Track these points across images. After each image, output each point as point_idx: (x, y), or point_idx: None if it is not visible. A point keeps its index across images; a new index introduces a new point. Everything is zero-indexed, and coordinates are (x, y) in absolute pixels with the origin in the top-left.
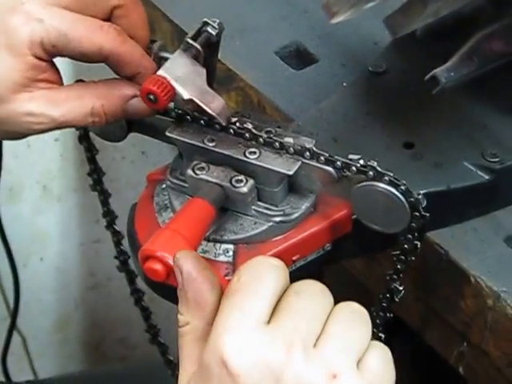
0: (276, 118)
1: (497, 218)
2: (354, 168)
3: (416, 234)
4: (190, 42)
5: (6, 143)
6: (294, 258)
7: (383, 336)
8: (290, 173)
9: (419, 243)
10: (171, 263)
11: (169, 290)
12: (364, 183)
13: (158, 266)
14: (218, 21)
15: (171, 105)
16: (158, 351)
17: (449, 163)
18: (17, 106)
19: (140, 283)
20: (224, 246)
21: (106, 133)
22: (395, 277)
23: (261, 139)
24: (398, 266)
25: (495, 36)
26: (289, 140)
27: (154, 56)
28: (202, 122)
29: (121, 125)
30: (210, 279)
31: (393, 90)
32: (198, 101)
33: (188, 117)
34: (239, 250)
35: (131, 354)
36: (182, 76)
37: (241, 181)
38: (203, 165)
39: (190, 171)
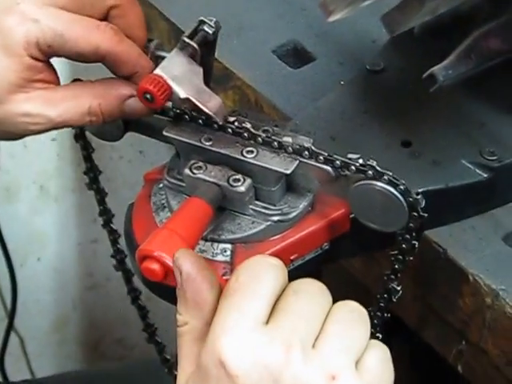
0: (273, 116)
1: (495, 216)
2: (353, 167)
3: (414, 234)
4: (187, 40)
5: (2, 143)
6: (291, 258)
7: (381, 336)
8: (288, 172)
9: (417, 243)
10: (168, 263)
11: (166, 290)
12: (362, 182)
13: (155, 266)
14: (214, 19)
15: (169, 104)
16: (155, 350)
17: (447, 161)
18: (13, 107)
19: (137, 282)
20: (222, 245)
21: (103, 132)
22: (393, 277)
23: (259, 138)
24: (396, 266)
25: (493, 34)
26: (287, 139)
27: (150, 55)
28: (200, 121)
29: (117, 124)
30: (209, 279)
31: (390, 88)
32: (194, 100)
33: (186, 116)
34: (237, 249)
35: (129, 354)
36: (178, 75)
37: (238, 180)
38: (200, 164)
39: (187, 170)
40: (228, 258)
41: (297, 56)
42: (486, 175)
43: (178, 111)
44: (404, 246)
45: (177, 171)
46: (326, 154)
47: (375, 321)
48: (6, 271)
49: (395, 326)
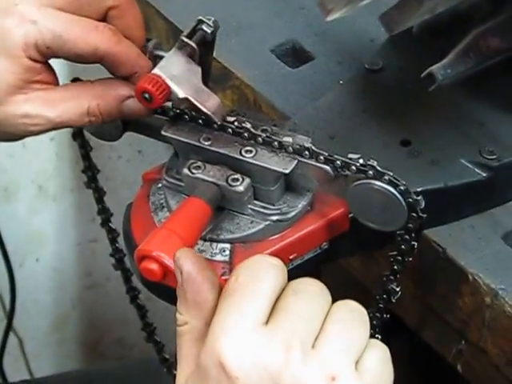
0: (272, 116)
1: (494, 216)
2: (353, 167)
3: (413, 235)
4: (185, 40)
5: (0, 143)
6: (291, 257)
7: (380, 337)
8: (287, 171)
9: (416, 244)
10: (167, 263)
11: (165, 290)
12: (361, 181)
13: (153, 266)
14: (213, 19)
15: (169, 104)
16: (154, 349)
17: (446, 160)
18: (13, 109)
19: (136, 281)
20: (220, 245)
21: (102, 132)
22: (392, 278)
23: (259, 138)
24: (395, 267)
25: (491, 33)
26: (287, 139)
27: (148, 54)
28: (199, 121)
29: (116, 124)
30: (209, 279)
31: (389, 87)
32: (193, 100)
33: (186, 116)
34: (236, 249)
35: (128, 354)
36: (177, 75)
37: (237, 180)
38: (199, 164)
39: (185, 170)
40: (227, 258)
41: (295, 55)
42: (485, 174)
43: (177, 111)
44: (403, 246)
45: (175, 171)
46: (327, 154)
47: (374, 322)
48: (4, 271)
49: (394, 326)
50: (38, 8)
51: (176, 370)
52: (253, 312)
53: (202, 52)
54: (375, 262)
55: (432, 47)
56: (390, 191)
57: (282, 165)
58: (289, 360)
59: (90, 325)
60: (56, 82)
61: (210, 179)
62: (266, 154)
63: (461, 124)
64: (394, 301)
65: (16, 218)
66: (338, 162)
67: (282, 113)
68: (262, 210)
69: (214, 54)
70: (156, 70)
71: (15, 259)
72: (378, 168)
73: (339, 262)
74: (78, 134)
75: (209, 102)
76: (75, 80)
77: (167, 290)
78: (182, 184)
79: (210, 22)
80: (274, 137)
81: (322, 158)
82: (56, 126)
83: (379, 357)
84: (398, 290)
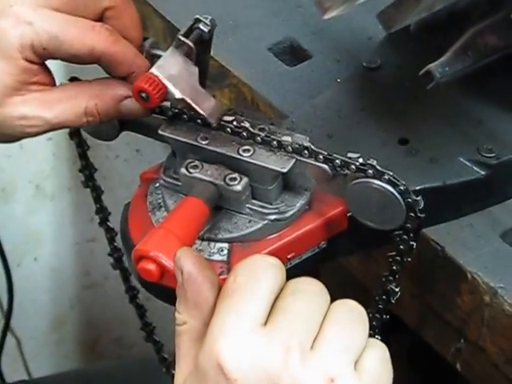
0: (270, 114)
1: (493, 214)
2: (353, 166)
3: (412, 235)
4: (182, 39)
5: None
6: (289, 256)
7: (380, 338)
8: (284, 170)
9: (415, 243)
10: (165, 263)
11: (163, 290)
12: (359, 180)
13: (151, 266)
14: (210, 17)
15: (167, 104)
16: (153, 349)
17: (444, 159)
18: (10, 110)
19: (135, 281)
20: (218, 244)
21: (98, 132)
22: (391, 278)
23: (257, 138)
24: (394, 267)
25: (489, 30)
26: (286, 138)
27: (145, 53)
28: (198, 120)
29: (113, 124)
30: (210, 279)
31: (387, 85)
32: (189, 101)
33: (184, 115)
34: (234, 248)
35: (127, 354)
36: (174, 74)
37: (235, 179)
38: (197, 163)
39: (183, 170)
40: (225, 258)
41: (293, 54)
42: (483, 172)
43: (175, 110)
44: (402, 246)
45: (173, 170)
46: (325, 153)
47: (374, 323)
48: (2, 271)
49: (393, 325)
50: (34, 9)
51: (175, 369)
52: (251, 313)
53: (199, 51)
54: (374, 260)
55: (430, 45)
56: (389, 190)
57: (279, 164)
58: (287, 361)
59: (88, 325)
60: (53, 83)
61: (207, 178)
62: (264, 153)
63: (459, 122)
64: (393, 301)
65: (14, 217)
66: (337, 161)
67: (279, 111)
68: (259, 209)
69: (212, 53)
70: (153, 70)
71: (13, 259)
72: (378, 167)
73: (338, 260)
74: (75, 133)
75: (205, 104)
76: (73, 79)
77: (165, 290)
78: (180, 183)
79: (207, 21)
80: (271, 136)
81: (320, 157)
82: (53, 127)
83: (378, 357)
84: (397, 290)
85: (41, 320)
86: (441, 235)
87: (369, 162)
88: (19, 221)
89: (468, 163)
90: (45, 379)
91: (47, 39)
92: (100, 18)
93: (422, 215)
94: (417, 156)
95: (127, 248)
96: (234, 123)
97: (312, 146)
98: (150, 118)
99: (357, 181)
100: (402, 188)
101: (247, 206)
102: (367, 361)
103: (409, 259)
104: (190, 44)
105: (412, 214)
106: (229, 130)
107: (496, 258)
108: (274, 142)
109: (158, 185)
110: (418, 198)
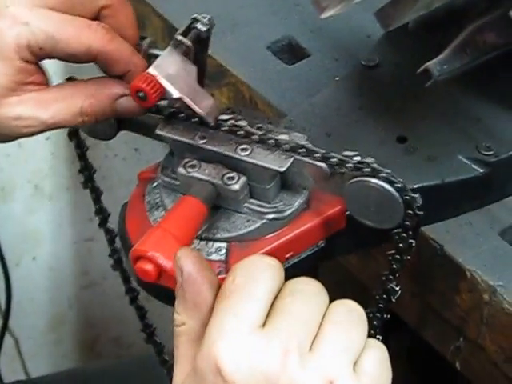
0: (268, 113)
1: (492, 212)
2: (350, 165)
3: (411, 233)
4: (180, 38)
5: None
6: (287, 256)
7: (381, 337)
8: (282, 169)
9: (414, 241)
10: (162, 263)
11: (161, 290)
12: (357, 179)
13: (148, 267)
14: (208, 16)
15: (165, 102)
16: (154, 351)
17: (443, 157)
18: (5, 111)
19: (135, 282)
20: (216, 244)
21: (96, 131)
22: (391, 277)
23: (255, 136)
24: (394, 266)
25: (487, 28)
26: (283, 137)
27: (143, 53)
28: (195, 119)
29: (110, 123)
30: (209, 280)
31: (386, 83)
32: (187, 100)
33: (181, 115)
34: (232, 248)
35: (126, 353)
36: (172, 74)
37: (233, 178)
38: (194, 162)
39: (181, 169)
40: (223, 257)
41: (291, 52)
42: (482, 170)
43: (173, 109)
44: (401, 245)
45: (171, 169)
46: (322, 152)
47: (375, 322)
48: (0, 271)
49: (392, 324)
50: (30, 9)
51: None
52: (249, 315)
53: (197, 50)
54: (373, 259)
55: (428, 43)
56: (386, 188)
57: (277, 163)
58: (286, 364)
59: (86, 324)
60: (47, 83)
61: (205, 178)
62: (262, 152)
63: (457, 120)
64: (394, 300)
65: (12, 217)
66: (334, 160)
67: (277, 110)
68: (257, 208)
69: (210, 52)
70: (151, 69)
71: (11, 258)
72: (375, 165)
73: (337, 259)
74: (73, 133)
75: (203, 103)
76: (69, 79)
77: (163, 290)
78: (178, 183)
79: (205, 20)
80: (269, 135)
81: (317, 155)
82: (49, 127)
83: (377, 358)
84: (397, 289)
85: (39, 319)
86: (440, 233)
87: (365, 160)
88: (18, 220)
89: (467, 161)
90: (43, 379)
91: (44, 39)
92: (96, 17)
93: (421, 212)
94: (415, 154)
95: (125, 248)
96: (231, 122)
97: (308, 145)
98: (147, 118)
99: (354, 180)
100: (399, 185)
101: (245, 205)
102: (366, 362)
103: (408, 257)
104: (188, 43)
105: (410, 212)
106: (226, 128)
107: (495, 255)
108: (271, 141)
109: (155, 184)
110: (416, 195)
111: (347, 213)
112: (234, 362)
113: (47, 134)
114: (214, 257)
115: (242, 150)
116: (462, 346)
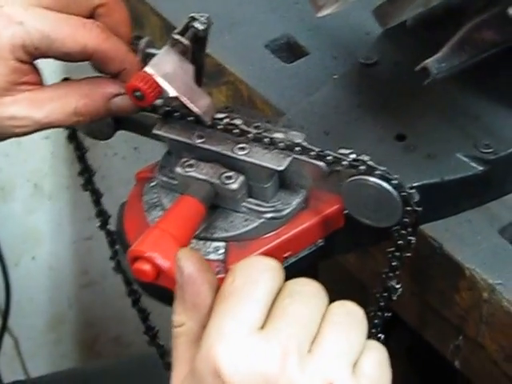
0: (267, 111)
1: (491, 210)
2: (345, 162)
3: (410, 229)
4: (177, 37)
5: None
6: (285, 255)
7: (382, 336)
8: (281, 168)
9: (413, 238)
10: (160, 263)
11: (159, 291)
12: (355, 177)
13: (146, 267)
14: (205, 15)
15: (160, 101)
16: (157, 353)
17: (442, 155)
18: (0, 111)
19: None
20: (214, 243)
21: (94, 131)
22: (391, 275)
23: (251, 135)
24: (394, 264)
25: (486, 25)
26: (278, 135)
27: (141, 52)
28: (191, 118)
29: (107, 123)
30: (209, 281)
31: (384, 81)
32: (183, 99)
33: (177, 113)
34: (230, 247)
35: (126, 352)
36: (169, 73)
37: (230, 177)
38: (192, 162)
39: (178, 168)
40: (221, 257)
41: (290, 50)
42: (481, 168)
43: (168, 108)
44: (400, 242)
45: (169, 169)
46: (318, 150)
47: (376, 321)
48: None
49: (392, 323)
50: (25, 8)
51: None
52: (248, 317)
53: (195, 49)
54: (372, 257)
55: (427, 40)
56: (383, 186)
57: (275, 162)
58: (285, 366)
59: (86, 324)
60: (41, 82)
61: (203, 177)
62: (260, 151)
63: (456, 118)
64: (394, 298)
65: (12, 216)
66: (330, 158)
67: (276, 108)
68: (256, 207)
69: (208, 50)
70: (148, 68)
71: (11, 258)
72: (370, 163)
73: (335, 258)
74: (72, 136)
75: (200, 102)
76: (65, 80)
77: (161, 290)
78: (176, 182)
79: (203, 19)
80: (267, 133)
81: (313, 153)
82: (43, 127)
83: (377, 359)
84: (398, 287)
85: (39, 319)
86: (439, 232)
87: (360, 157)
88: (17, 220)
89: (465, 159)
90: (42, 379)
91: (39, 38)
92: (91, 16)
93: (419, 208)
94: (414, 152)
95: (124, 248)
96: (226, 120)
97: (304, 143)
98: (145, 117)
99: (352, 178)
100: (395, 182)
101: (243, 204)
102: (366, 363)
103: (408, 255)
104: (185, 42)
105: (408, 208)
106: (221, 127)
107: (494, 254)
108: (266, 139)
109: (153, 184)
110: (413, 191)
111: (346, 211)
112: (232, 363)
113: (47, 133)
114: (212, 256)
115: (240, 149)
116: (462, 344)
